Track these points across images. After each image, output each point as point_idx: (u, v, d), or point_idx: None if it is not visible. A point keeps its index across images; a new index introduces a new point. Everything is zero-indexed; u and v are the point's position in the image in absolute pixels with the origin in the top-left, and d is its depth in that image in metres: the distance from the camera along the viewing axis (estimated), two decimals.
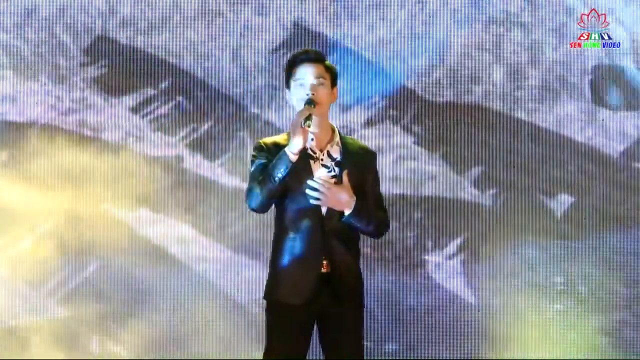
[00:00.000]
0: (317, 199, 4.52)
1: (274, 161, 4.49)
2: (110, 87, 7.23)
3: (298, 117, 4.46)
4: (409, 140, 7.20)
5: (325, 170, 4.58)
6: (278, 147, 4.56)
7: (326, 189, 4.51)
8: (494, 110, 7.18)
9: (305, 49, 4.68)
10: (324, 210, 4.55)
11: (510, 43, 7.21)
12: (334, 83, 4.66)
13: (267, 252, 7.11)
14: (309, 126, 4.44)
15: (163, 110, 7.23)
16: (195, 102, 7.23)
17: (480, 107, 7.19)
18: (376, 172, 4.72)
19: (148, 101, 7.24)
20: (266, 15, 7.23)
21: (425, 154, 7.19)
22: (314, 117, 4.51)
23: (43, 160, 7.17)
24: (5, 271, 7.16)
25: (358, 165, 4.63)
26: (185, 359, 7.08)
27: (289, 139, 4.55)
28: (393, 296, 7.08)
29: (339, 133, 4.67)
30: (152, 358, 7.08)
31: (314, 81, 4.58)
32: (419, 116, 7.21)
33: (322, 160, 4.60)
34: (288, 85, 4.67)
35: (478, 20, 7.21)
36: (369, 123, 7.19)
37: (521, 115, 7.19)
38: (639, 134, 7.20)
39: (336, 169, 4.59)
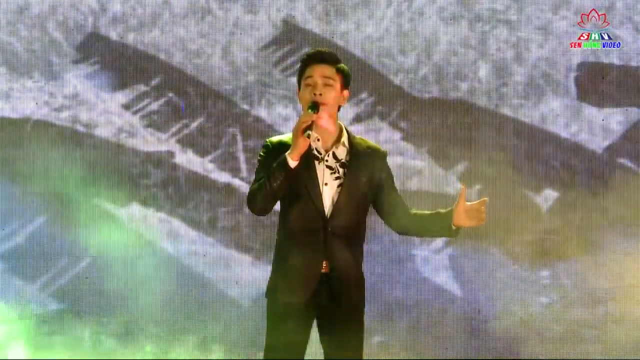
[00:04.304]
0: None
1: (273, 165, 4.41)
2: (102, 83, 7.27)
3: (299, 123, 4.37)
4: (396, 136, 7.22)
5: (329, 171, 4.52)
6: (283, 147, 4.47)
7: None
8: (480, 106, 7.19)
9: (317, 49, 4.55)
10: (326, 211, 4.48)
11: (495, 40, 7.24)
12: (344, 85, 4.55)
13: (258, 247, 7.18)
14: (308, 136, 4.34)
15: (154, 106, 7.27)
16: (186, 98, 7.26)
17: (466, 103, 7.21)
18: (390, 171, 4.62)
19: (139, 98, 7.28)
20: (256, 12, 7.26)
21: (411, 150, 7.21)
22: (320, 116, 4.43)
23: (36, 156, 7.20)
24: None
25: (365, 166, 4.54)
26: (181, 358, 7.10)
27: None
28: (380, 289, 7.09)
29: (348, 133, 4.58)
30: (147, 355, 7.12)
31: (321, 81, 4.49)
32: (406, 112, 7.23)
33: (326, 161, 4.51)
34: (299, 85, 4.57)
35: (464, 18, 7.24)
36: (357, 119, 7.22)
37: (506, 111, 7.21)
38: (623, 129, 7.23)
39: (340, 170, 4.51)
